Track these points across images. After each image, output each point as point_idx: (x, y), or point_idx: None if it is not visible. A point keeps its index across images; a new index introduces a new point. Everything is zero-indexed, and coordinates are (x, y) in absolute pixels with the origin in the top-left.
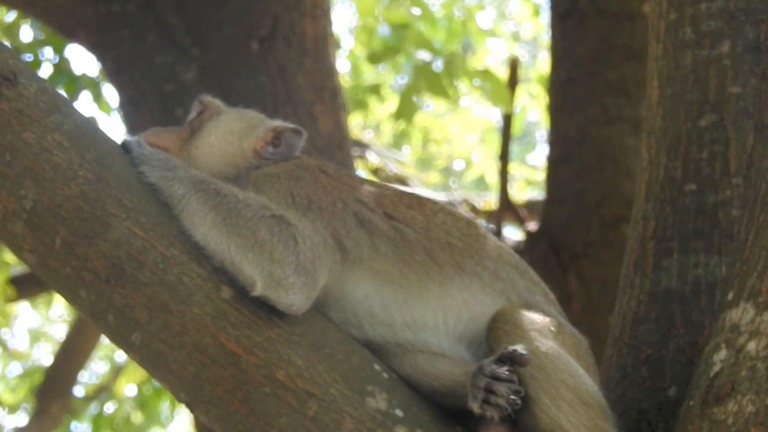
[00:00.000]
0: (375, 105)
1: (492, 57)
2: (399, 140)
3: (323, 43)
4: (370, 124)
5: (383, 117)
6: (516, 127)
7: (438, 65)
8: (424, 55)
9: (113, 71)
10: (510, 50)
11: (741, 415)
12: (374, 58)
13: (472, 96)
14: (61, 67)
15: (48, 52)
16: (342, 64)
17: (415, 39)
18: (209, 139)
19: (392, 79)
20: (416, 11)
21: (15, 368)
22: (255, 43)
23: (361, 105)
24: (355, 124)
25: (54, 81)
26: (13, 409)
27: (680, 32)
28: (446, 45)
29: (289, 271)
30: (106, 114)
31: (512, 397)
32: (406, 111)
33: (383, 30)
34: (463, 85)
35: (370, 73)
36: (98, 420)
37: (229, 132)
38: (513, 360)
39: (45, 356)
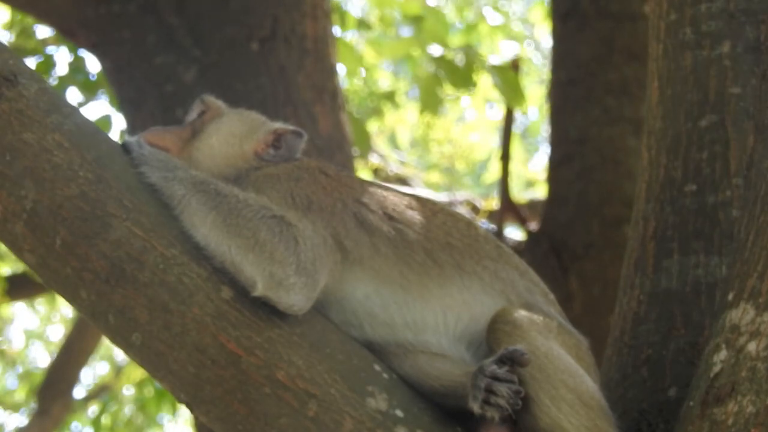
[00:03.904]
0: (390, 112)
1: (499, 57)
2: (415, 143)
3: (323, 43)
4: (385, 131)
5: (397, 123)
6: (534, 130)
7: (457, 58)
8: (438, 50)
9: (113, 72)
10: (521, 51)
11: (741, 416)
12: (391, 52)
13: (485, 96)
14: (78, 66)
15: (63, 50)
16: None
17: (430, 32)
18: (210, 140)
19: (407, 86)
20: (431, 2)
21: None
22: (255, 43)
23: (377, 112)
24: (371, 130)
25: (69, 80)
26: (12, 410)
27: (680, 33)
28: (460, 40)
29: (290, 272)
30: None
31: (513, 397)
32: (430, 103)
33: (401, 28)
34: (482, 78)
35: (384, 80)
36: (98, 421)
37: (231, 134)
38: (513, 360)
39: (41, 357)
